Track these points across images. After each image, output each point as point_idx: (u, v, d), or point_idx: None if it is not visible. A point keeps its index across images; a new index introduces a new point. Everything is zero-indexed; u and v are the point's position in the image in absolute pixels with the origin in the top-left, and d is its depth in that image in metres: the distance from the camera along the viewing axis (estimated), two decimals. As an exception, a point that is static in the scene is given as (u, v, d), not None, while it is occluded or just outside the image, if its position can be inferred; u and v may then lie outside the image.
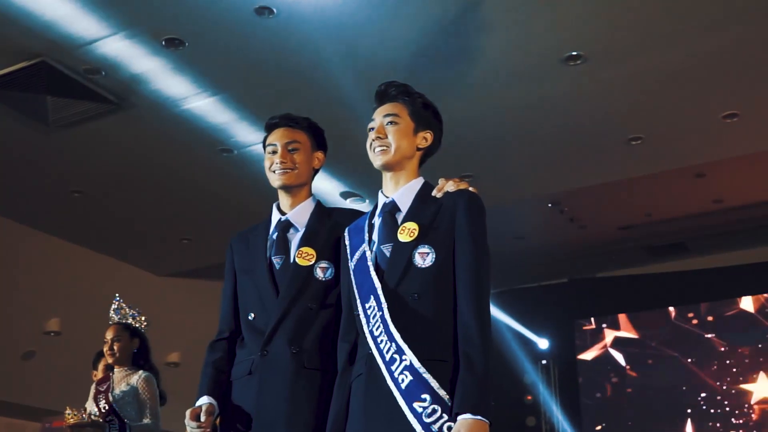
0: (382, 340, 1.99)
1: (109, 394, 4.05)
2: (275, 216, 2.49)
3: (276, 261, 2.38)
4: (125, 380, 4.15)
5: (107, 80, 5.13)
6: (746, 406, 7.98)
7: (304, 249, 2.36)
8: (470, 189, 2.16)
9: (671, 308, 8.48)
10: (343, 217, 2.41)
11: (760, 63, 5.15)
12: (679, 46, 4.92)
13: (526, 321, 9.18)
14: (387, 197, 2.23)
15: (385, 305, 2.02)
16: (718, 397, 8.09)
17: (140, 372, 4.18)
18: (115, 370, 4.23)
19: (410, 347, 1.95)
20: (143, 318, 4.33)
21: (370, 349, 2.02)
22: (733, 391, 8.05)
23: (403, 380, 1.92)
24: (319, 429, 2.16)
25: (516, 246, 8.39)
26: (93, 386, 4.24)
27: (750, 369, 8.04)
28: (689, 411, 8.16)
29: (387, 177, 2.25)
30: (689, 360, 8.29)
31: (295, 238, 2.41)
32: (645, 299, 8.68)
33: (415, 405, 1.90)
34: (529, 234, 8.17)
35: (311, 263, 2.34)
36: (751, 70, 5.22)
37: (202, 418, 2.22)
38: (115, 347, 4.19)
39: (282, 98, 5.32)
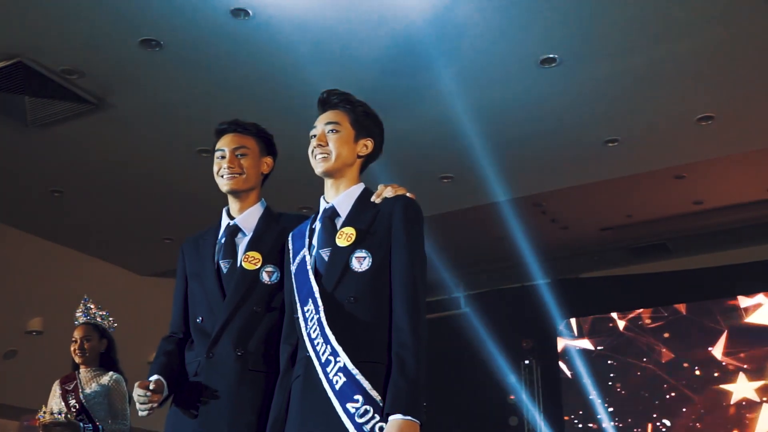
0: (318, 343, 2.03)
1: (80, 394, 4.05)
2: (224, 220, 2.54)
3: (223, 265, 2.42)
4: (95, 380, 4.15)
5: (85, 81, 5.15)
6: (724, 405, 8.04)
7: (251, 253, 2.40)
8: (407, 195, 2.20)
9: (652, 308, 8.51)
10: (290, 222, 2.45)
11: (734, 66, 5.18)
12: (653, 48, 4.95)
13: (509, 321, 9.21)
14: (327, 203, 2.27)
15: (322, 308, 2.06)
16: (696, 397, 8.13)
17: (110, 373, 4.18)
18: (81, 369, 4.21)
19: (346, 349, 1.99)
20: (111, 319, 4.34)
21: (308, 352, 2.06)
22: (719, 391, 8.10)
23: (337, 381, 1.97)
24: (261, 430, 2.20)
25: (498, 247, 8.43)
26: (56, 385, 4.21)
27: (734, 369, 8.08)
28: (678, 411, 8.19)
29: (328, 183, 2.29)
30: (672, 360, 8.33)
31: (242, 243, 2.45)
32: (628, 299, 8.72)
33: (348, 406, 1.94)
34: (511, 235, 8.20)
35: (257, 267, 2.38)
36: (725, 72, 5.24)
37: (152, 387, 2.23)
38: (86, 346, 4.19)
39: (258, 99, 5.35)
